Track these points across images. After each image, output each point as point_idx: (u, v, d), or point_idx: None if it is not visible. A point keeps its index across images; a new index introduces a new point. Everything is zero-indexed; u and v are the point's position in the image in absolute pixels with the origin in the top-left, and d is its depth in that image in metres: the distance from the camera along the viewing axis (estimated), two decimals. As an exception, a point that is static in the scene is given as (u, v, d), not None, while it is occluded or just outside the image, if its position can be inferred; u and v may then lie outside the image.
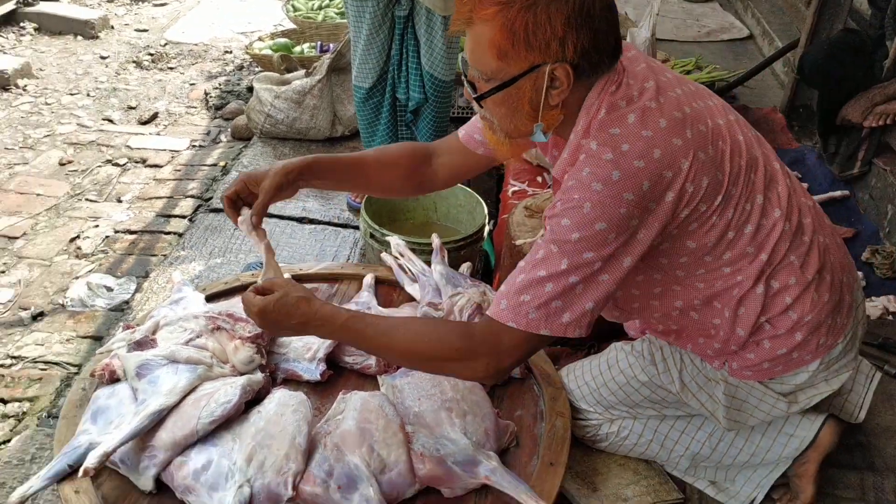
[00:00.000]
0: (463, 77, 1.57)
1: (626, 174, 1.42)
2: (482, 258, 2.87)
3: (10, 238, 3.39)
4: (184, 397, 1.70)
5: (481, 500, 1.67)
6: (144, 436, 1.63)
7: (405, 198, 2.90)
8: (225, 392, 1.69)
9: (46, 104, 4.70)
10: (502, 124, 1.58)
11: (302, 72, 4.15)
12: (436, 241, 2.28)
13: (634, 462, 1.97)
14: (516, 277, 1.51)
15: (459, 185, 2.90)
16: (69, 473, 1.60)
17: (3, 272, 3.17)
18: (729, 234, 1.56)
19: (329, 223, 3.44)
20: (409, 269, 2.26)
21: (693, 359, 1.81)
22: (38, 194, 3.74)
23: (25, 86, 4.87)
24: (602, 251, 1.44)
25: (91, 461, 1.53)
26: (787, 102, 4.05)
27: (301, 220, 3.44)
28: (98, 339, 2.80)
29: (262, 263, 2.46)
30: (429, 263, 2.24)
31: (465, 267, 2.28)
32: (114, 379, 1.81)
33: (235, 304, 2.05)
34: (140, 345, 1.81)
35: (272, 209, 3.42)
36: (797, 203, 1.66)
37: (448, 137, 1.94)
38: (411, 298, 2.22)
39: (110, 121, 4.55)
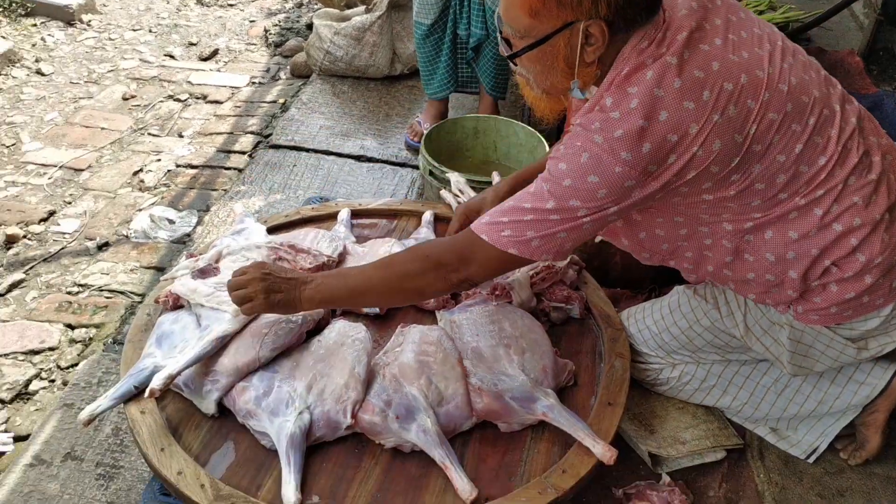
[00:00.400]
0: (498, 34, 1.53)
1: (627, 133, 1.39)
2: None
3: (76, 170, 3.45)
4: (246, 325, 1.72)
5: (538, 437, 1.66)
6: (207, 361, 1.66)
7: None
8: (286, 321, 1.70)
9: (110, 39, 4.74)
10: (538, 81, 1.56)
11: (362, 8, 4.09)
12: (496, 178, 2.25)
13: (694, 406, 1.95)
14: (506, 202, 1.53)
15: (520, 123, 2.85)
16: (135, 395, 1.65)
17: (70, 203, 3.24)
18: (757, 186, 1.50)
19: (387, 161, 3.42)
20: (469, 207, 2.23)
21: (757, 302, 1.75)
22: (102, 128, 3.79)
23: (90, 21, 4.91)
24: (589, 203, 1.44)
25: (156, 383, 1.57)
26: (866, 45, 3.86)
27: (359, 158, 3.43)
28: (160, 269, 2.86)
29: (321, 198, 2.46)
30: (489, 201, 2.21)
31: (526, 205, 2.24)
32: (177, 305, 1.84)
33: (297, 236, 2.06)
34: (203, 272, 1.84)
35: (329, 147, 3.42)
36: (863, 142, 1.57)
37: (470, 244, 1.59)
38: (470, 236, 2.20)
39: (172, 56, 4.58)
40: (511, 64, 1.57)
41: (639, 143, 1.38)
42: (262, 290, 1.60)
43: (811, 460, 1.88)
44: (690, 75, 1.40)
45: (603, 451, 1.54)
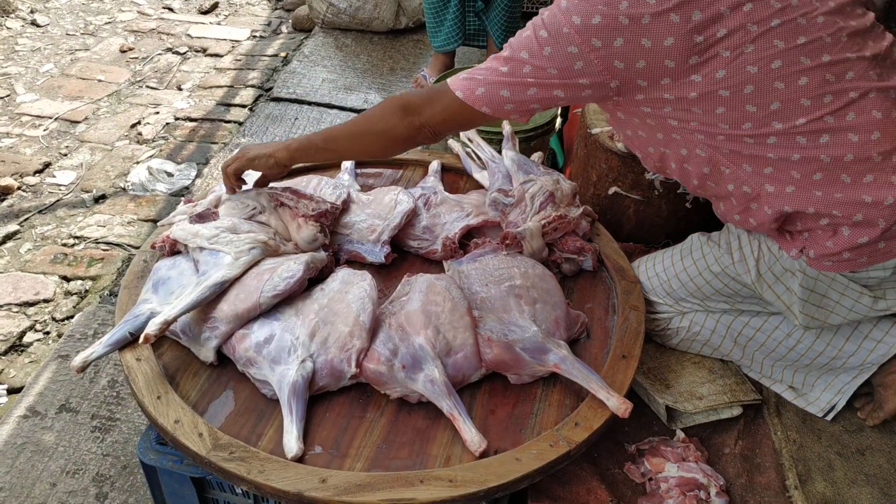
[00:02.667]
0: None
1: (584, 4, 1.42)
2: (550, 155, 2.75)
3: (72, 122, 3.37)
4: (246, 270, 1.65)
5: (549, 389, 1.60)
6: (206, 307, 1.59)
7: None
8: (288, 267, 1.63)
9: (107, -9, 4.62)
10: None
11: (366, -41, 3.98)
12: (507, 127, 2.17)
13: (710, 361, 1.88)
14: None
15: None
16: (130, 341, 1.58)
17: (66, 155, 3.16)
18: (721, 93, 1.44)
19: (391, 116, 3.33)
20: (478, 156, 2.15)
21: (770, 246, 1.68)
22: (99, 80, 3.70)
23: (86, -28, 4.80)
24: (535, 60, 1.47)
25: (151, 328, 1.50)
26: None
27: (362, 112, 3.34)
28: (158, 222, 2.78)
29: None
30: (498, 151, 2.13)
31: (537, 156, 2.16)
32: (174, 251, 1.77)
33: (299, 182, 1.98)
34: (202, 217, 1.76)
35: (332, 100, 3.33)
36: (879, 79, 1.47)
37: (437, 91, 1.62)
38: (478, 185, 2.12)
39: (170, 9, 4.47)
40: None
41: (591, 13, 1.40)
42: (242, 150, 1.76)
43: (829, 418, 1.82)
44: None
45: (617, 404, 1.48)
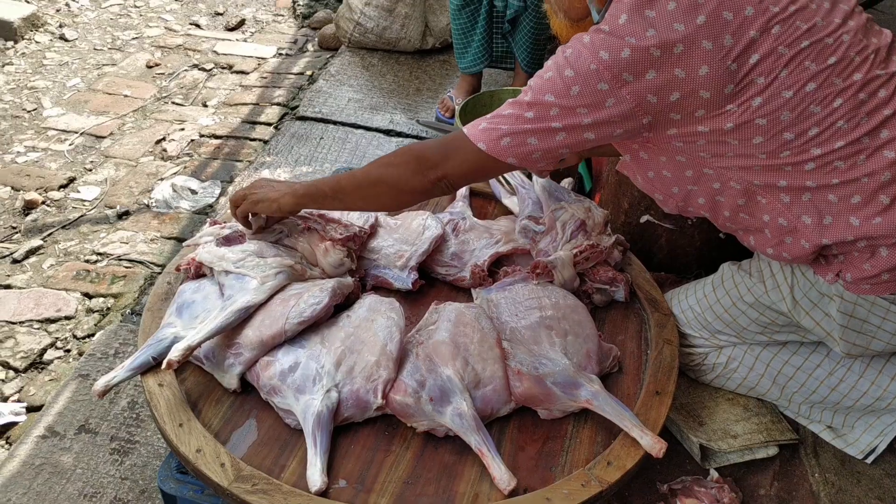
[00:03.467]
0: None
1: (612, 36, 1.37)
2: (577, 180, 2.71)
3: (97, 137, 3.37)
4: (272, 296, 1.61)
5: (580, 425, 1.55)
6: (230, 333, 1.56)
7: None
8: (314, 293, 1.60)
9: (135, 7, 4.65)
10: (559, 3, 1.62)
11: (394, -21, 3.97)
12: (537, 152, 2.13)
13: (745, 398, 1.83)
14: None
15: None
16: (153, 366, 1.55)
17: (91, 170, 3.16)
18: (758, 122, 1.39)
19: (417, 137, 3.31)
20: (508, 182, 2.12)
21: (805, 272, 1.63)
22: (125, 95, 3.70)
23: (115, -12, 4.83)
24: (562, 100, 1.40)
25: (174, 354, 1.47)
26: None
27: (388, 133, 3.33)
28: (182, 240, 2.77)
29: (350, 168, 2.36)
30: (528, 176, 2.09)
31: (568, 182, 2.13)
32: (199, 274, 1.74)
33: (326, 205, 1.95)
34: (228, 240, 1.73)
35: (357, 120, 3.32)
36: None
37: (454, 142, 1.54)
38: (507, 211, 2.09)
39: (197, 25, 4.48)
40: None
41: (619, 48, 1.35)
42: (252, 185, 1.71)
43: (869, 461, 1.75)
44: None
45: (651, 443, 1.43)
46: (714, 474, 1.67)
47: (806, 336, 1.73)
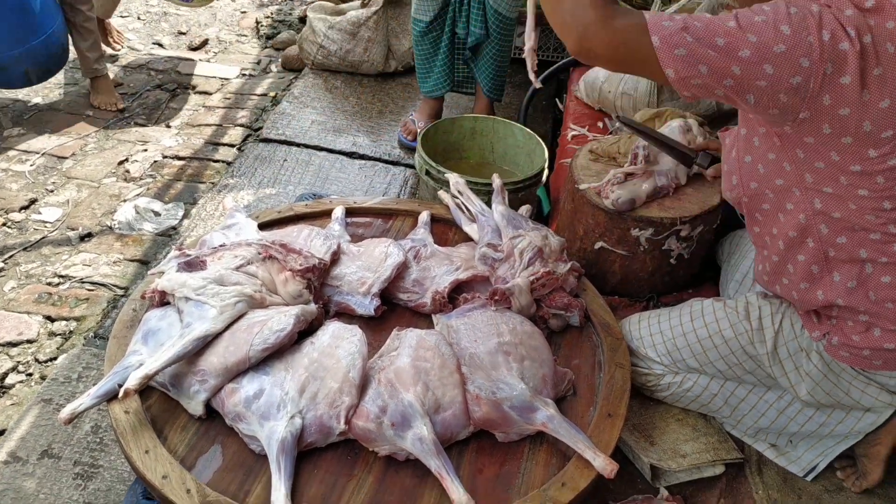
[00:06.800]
0: None
1: (812, 19, 1.32)
2: (536, 204, 2.78)
3: (59, 157, 3.37)
4: (231, 325, 1.65)
5: (536, 448, 1.61)
6: (194, 360, 1.60)
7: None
8: (278, 320, 1.64)
9: (97, 25, 4.64)
10: None
11: (357, 2, 4.03)
12: (497, 181, 2.20)
13: (693, 418, 1.91)
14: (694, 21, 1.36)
15: (518, 125, 2.81)
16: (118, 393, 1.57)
17: (52, 191, 3.15)
18: (846, 140, 1.38)
19: (379, 159, 3.36)
20: (468, 209, 2.18)
21: (794, 323, 1.72)
22: (87, 115, 3.70)
23: (77, 6, 4.81)
24: (758, 51, 1.31)
25: (132, 382, 1.50)
26: None
27: (351, 155, 3.37)
28: (145, 262, 2.78)
29: (314, 195, 2.41)
30: (488, 204, 2.16)
31: (525, 209, 2.20)
32: (164, 301, 1.77)
33: (290, 233, 2.00)
34: (190, 265, 1.77)
35: (321, 142, 3.35)
36: None
37: (633, 20, 1.40)
38: (467, 238, 2.15)
39: (160, 45, 4.49)
40: None
41: (819, 30, 1.30)
42: None
43: (809, 478, 1.84)
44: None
45: (604, 465, 1.50)
46: (664, 493, 1.74)
47: (763, 382, 1.81)
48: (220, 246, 1.88)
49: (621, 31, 1.37)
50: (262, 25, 4.80)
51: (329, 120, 3.62)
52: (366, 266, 1.93)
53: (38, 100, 3.78)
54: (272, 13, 4.98)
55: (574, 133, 2.88)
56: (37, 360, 2.38)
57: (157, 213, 3.04)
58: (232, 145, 3.56)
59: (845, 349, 1.61)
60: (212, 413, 1.60)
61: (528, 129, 2.76)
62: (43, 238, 2.89)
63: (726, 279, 2.16)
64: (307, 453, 1.53)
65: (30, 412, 2.10)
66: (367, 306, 1.86)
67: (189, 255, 1.83)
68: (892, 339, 1.56)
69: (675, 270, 2.17)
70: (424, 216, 2.19)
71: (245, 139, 3.61)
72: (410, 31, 3.45)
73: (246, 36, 4.71)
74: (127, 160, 3.39)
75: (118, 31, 4.35)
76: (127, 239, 2.91)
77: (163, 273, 1.81)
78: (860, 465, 1.82)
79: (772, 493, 1.80)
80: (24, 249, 2.82)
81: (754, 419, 1.84)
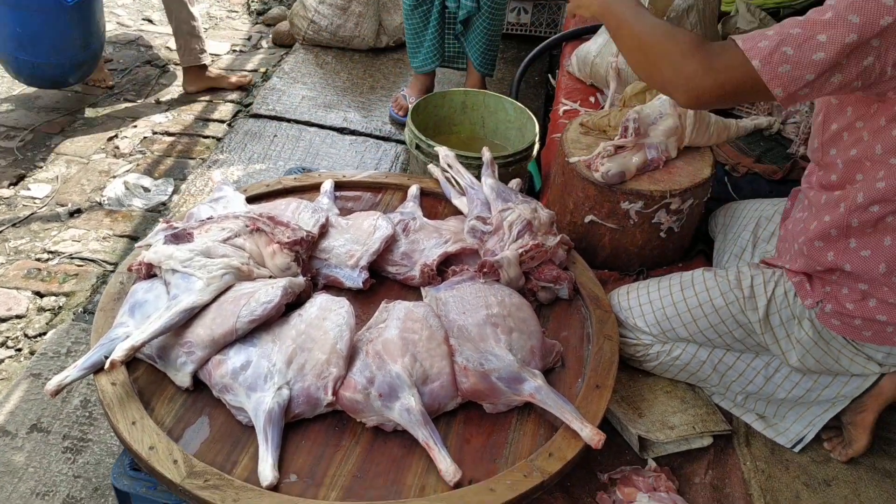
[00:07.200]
0: None
1: None
2: (527, 179, 2.77)
3: (48, 133, 3.34)
4: (218, 296, 1.64)
5: (524, 419, 1.61)
6: (181, 332, 1.59)
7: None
8: (266, 292, 1.63)
9: (86, 1, 4.59)
10: None
11: (348, -23, 4.00)
12: (486, 154, 2.19)
13: (682, 390, 1.91)
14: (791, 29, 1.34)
15: (510, 99, 2.79)
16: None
17: (42, 167, 3.13)
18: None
19: (370, 135, 3.35)
20: (458, 182, 2.17)
21: (787, 291, 1.72)
22: (76, 91, 3.67)
23: (65, -19, 4.76)
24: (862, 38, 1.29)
25: (118, 354, 1.49)
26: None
27: (342, 131, 3.35)
28: (134, 238, 2.77)
29: (304, 169, 2.40)
30: (477, 177, 2.15)
31: (515, 183, 2.19)
32: (151, 274, 1.76)
33: (278, 206, 1.99)
34: (177, 238, 1.75)
35: (311, 118, 3.33)
36: None
37: (732, 58, 1.41)
38: (457, 211, 2.14)
39: (150, 21, 4.45)
40: None
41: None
42: None
43: (797, 449, 1.85)
44: None
45: (591, 435, 1.50)
46: (652, 464, 1.75)
47: (753, 350, 1.82)
48: (208, 219, 1.87)
49: (724, 71, 1.38)
50: (252, 1, 4.76)
51: (320, 95, 3.60)
52: (354, 239, 1.92)
53: (26, 76, 3.74)
54: (263, -11, 4.93)
55: (566, 108, 2.86)
56: (26, 336, 2.37)
57: (146, 189, 3.03)
58: (222, 121, 3.54)
59: (837, 317, 1.62)
60: (199, 385, 1.59)
61: (520, 104, 2.75)
62: (32, 214, 2.87)
63: (722, 250, 2.16)
64: (295, 424, 1.53)
65: (19, 387, 2.10)
66: (355, 279, 1.85)
67: (176, 228, 1.82)
68: (886, 312, 1.56)
69: (665, 244, 2.17)
70: (414, 189, 2.18)
71: (235, 115, 3.58)
72: (401, 5, 3.43)
73: (237, 12, 4.67)
74: (116, 136, 3.37)
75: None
76: (116, 215, 2.89)
77: (150, 245, 1.80)
78: (846, 434, 1.83)
79: (759, 465, 1.80)
80: (14, 225, 2.81)
81: (742, 386, 1.85)
